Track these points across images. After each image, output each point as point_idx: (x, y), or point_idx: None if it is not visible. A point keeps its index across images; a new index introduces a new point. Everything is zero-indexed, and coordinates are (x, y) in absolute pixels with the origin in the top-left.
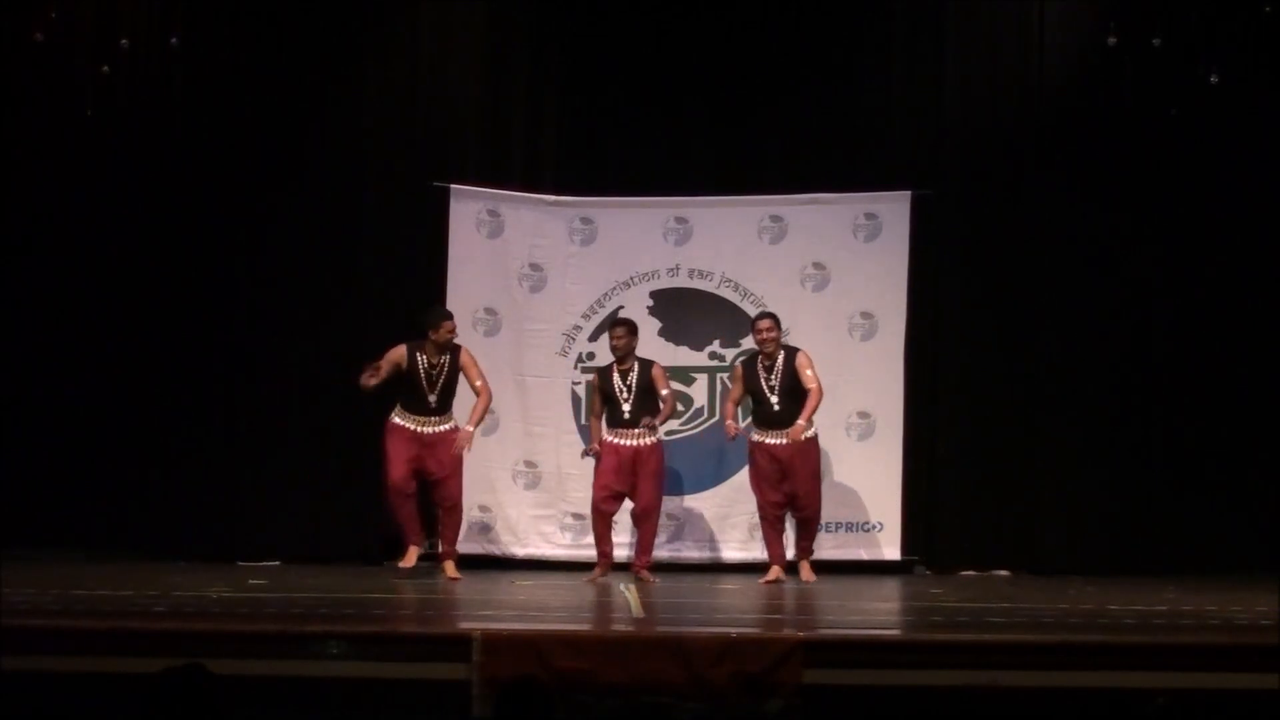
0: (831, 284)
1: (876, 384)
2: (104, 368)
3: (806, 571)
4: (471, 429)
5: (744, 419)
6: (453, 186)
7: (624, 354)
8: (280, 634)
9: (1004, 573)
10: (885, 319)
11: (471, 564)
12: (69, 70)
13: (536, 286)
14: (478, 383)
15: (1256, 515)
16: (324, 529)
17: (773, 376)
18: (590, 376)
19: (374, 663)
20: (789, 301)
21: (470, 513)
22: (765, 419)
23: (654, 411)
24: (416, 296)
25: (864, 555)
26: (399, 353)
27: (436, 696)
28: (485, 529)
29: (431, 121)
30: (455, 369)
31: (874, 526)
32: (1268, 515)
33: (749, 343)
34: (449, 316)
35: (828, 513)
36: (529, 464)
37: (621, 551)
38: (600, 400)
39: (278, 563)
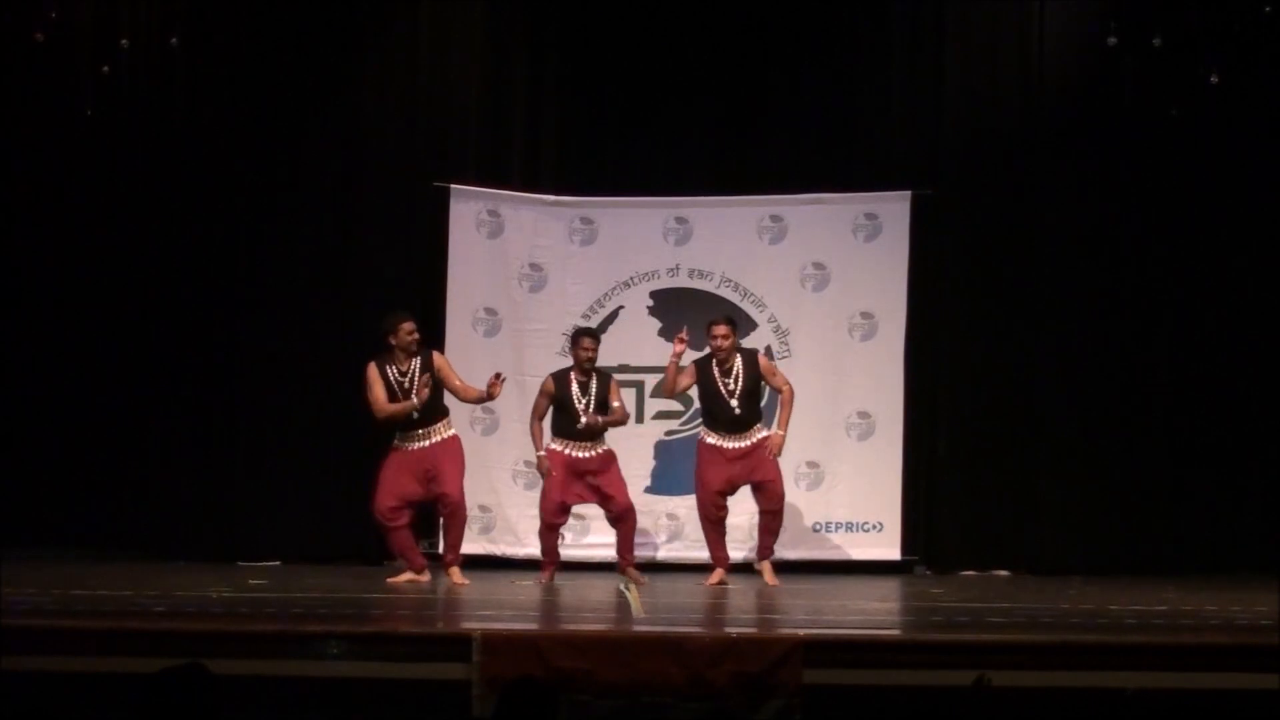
0: (831, 284)
1: (876, 384)
2: (104, 367)
3: (769, 574)
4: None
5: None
6: (453, 186)
7: (593, 365)
8: (280, 634)
9: (1004, 573)
10: (885, 319)
11: (471, 564)
12: (69, 70)
13: (536, 286)
14: (456, 382)
15: (1256, 515)
16: (324, 529)
17: (731, 380)
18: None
19: (374, 663)
20: (789, 301)
21: (470, 512)
22: (724, 422)
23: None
24: (416, 296)
25: (864, 555)
26: (373, 372)
27: (436, 696)
28: (485, 529)
29: (431, 121)
30: (430, 372)
31: (874, 526)
32: (1268, 515)
33: (749, 342)
34: (407, 318)
35: (828, 513)
36: (529, 464)
37: (606, 552)
38: (547, 404)
39: (278, 563)
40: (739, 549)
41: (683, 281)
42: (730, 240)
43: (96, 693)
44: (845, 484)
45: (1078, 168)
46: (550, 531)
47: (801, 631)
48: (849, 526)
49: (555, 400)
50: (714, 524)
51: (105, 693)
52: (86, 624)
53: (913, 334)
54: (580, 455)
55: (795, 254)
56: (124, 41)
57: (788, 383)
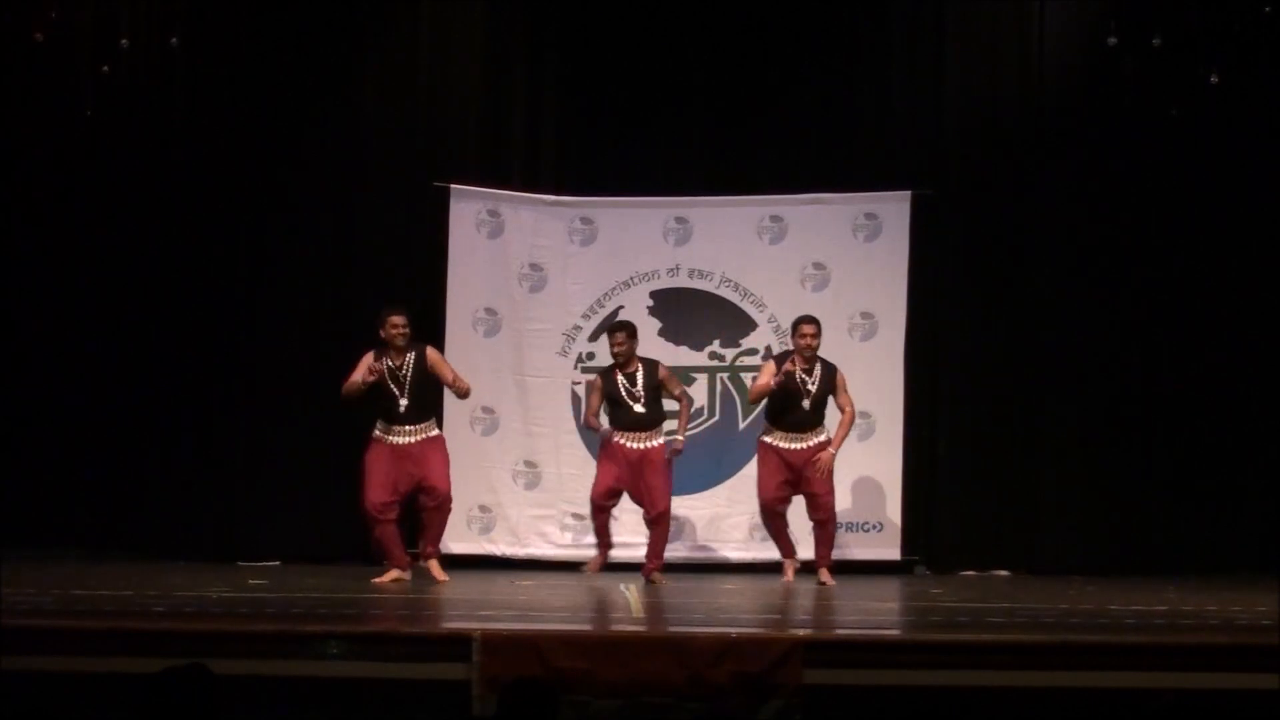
0: (831, 284)
1: (876, 384)
2: (104, 368)
3: (826, 575)
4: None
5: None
6: (453, 186)
7: (626, 359)
8: (280, 634)
9: (1004, 573)
10: (885, 319)
11: (471, 564)
12: (69, 70)
13: (536, 286)
14: (449, 375)
15: (1256, 515)
16: (324, 529)
17: (811, 380)
18: (591, 377)
19: (374, 663)
20: (789, 301)
21: (470, 512)
22: (791, 421)
23: (662, 412)
24: (416, 296)
25: (864, 555)
26: (368, 358)
27: (436, 696)
28: (485, 529)
29: (431, 121)
30: (422, 369)
31: (874, 526)
32: (1268, 515)
33: (749, 342)
34: (394, 311)
35: None
36: (529, 464)
37: (631, 553)
38: (599, 400)
39: (278, 563)
40: (739, 550)
41: (683, 281)
42: (730, 240)
43: (96, 693)
44: (845, 484)
45: (1078, 168)
46: (600, 513)
47: (801, 631)
48: (849, 526)
49: (606, 396)
50: (775, 518)
51: (105, 693)
52: (86, 624)
53: (913, 334)
54: (635, 446)
55: (795, 254)
56: (124, 41)
57: (852, 404)
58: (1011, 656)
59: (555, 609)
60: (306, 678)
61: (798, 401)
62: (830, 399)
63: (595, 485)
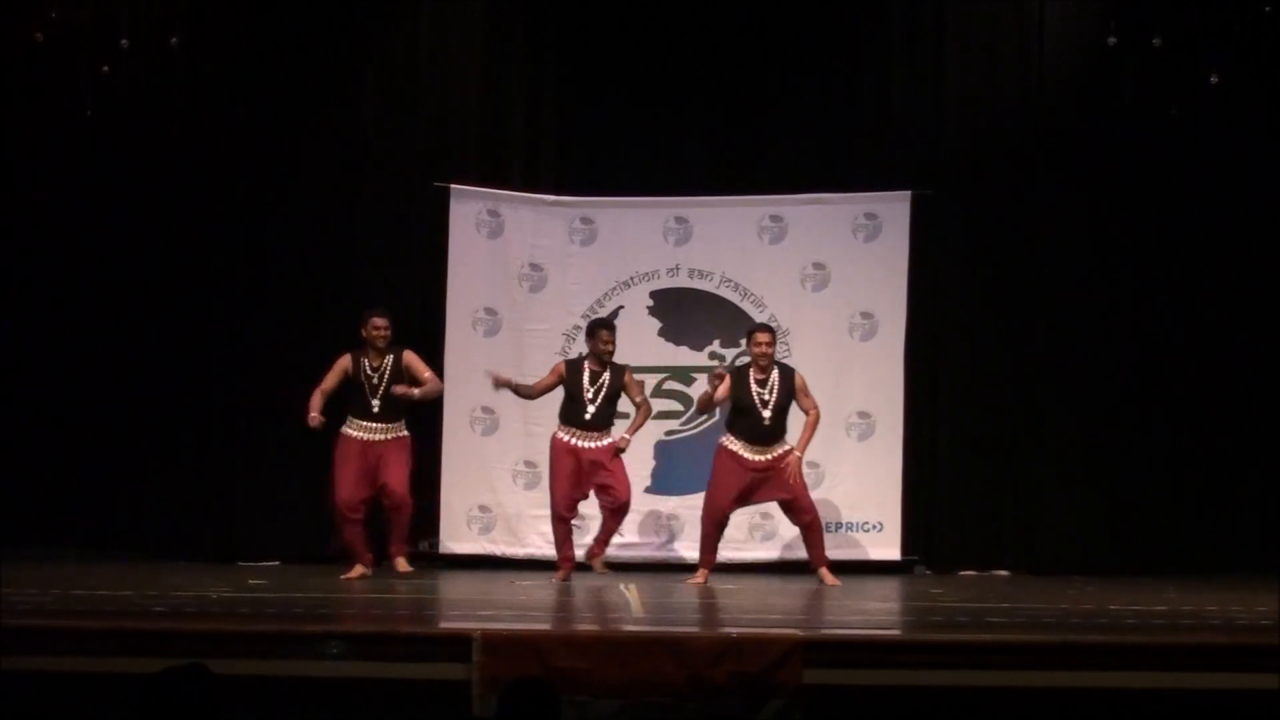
0: (831, 284)
1: (876, 384)
2: (104, 368)
3: (829, 577)
4: (416, 394)
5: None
6: (453, 186)
7: (609, 358)
8: (280, 634)
9: (1004, 573)
10: (885, 319)
11: (471, 564)
12: (69, 70)
13: (536, 286)
14: (425, 374)
15: (1256, 515)
16: (324, 529)
17: (766, 391)
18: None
19: (374, 663)
20: (789, 301)
21: (470, 512)
22: (751, 433)
23: (613, 413)
24: (416, 296)
25: (864, 555)
26: (344, 361)
27: (436, 696)
28: (485, 529)
29: (431, 121)
30: (399, 372)
31: (874, 526)
32: (1268, 515)
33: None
34: (376, 314)
35: (828, 513)
36: (529, 464)
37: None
38: (550, 384)
39: (278, 563)
40: (738, 550)
41: (683, 281)
42: (730, 240)
43: (96, 693)
44: (845, 484)
45: (1078, 168)
46: (561, 524)
47: (801, 631)
48: (849, 526)
49: (565, 386)
50: (718, 527)
51: (105, 693)
52: (86, 624)
53: (913, 334)
54: (586, 445)
55: (795, 254)
56: (124, 41)
57: (816, 405)
58: (1011, 656)
59: (555, 609)
60: (306, 678)
61: (756, 412)
62: (794, 405)
63: (556, 497)
